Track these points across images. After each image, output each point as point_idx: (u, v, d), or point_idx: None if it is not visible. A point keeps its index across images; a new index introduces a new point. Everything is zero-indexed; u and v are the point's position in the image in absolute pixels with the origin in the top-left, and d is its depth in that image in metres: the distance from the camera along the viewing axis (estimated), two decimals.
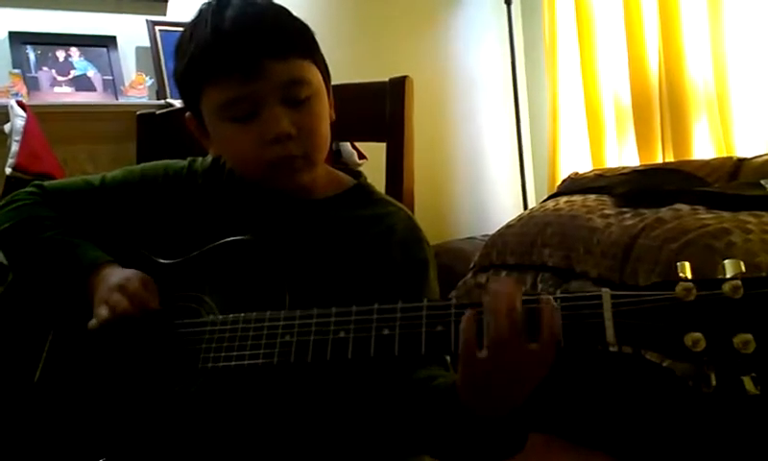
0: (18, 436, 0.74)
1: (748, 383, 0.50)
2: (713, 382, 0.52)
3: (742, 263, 0.52)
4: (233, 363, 0.68)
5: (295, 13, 0.79)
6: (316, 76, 0.78)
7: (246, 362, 0.67)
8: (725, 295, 0.53)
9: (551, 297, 0.58)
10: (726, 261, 0.53)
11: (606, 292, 0.56)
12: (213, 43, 0.73)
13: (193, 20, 0.77)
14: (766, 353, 0.51)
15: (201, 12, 0.77)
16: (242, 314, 0.70)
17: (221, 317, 0.71)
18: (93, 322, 0.72)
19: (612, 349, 1.54)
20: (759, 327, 0.51)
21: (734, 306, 0.52)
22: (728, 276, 0.53)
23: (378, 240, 0.80)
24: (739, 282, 0.52)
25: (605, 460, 1.79)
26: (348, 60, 1.82)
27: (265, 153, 0.75)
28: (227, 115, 0.75)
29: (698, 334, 0.53)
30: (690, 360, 0.52)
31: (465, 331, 0.58)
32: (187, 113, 0.83)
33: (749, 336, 0.51)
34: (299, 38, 0.77)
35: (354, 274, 0.77)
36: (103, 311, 0.72)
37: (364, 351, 0.63)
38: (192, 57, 0.75)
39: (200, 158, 0.89)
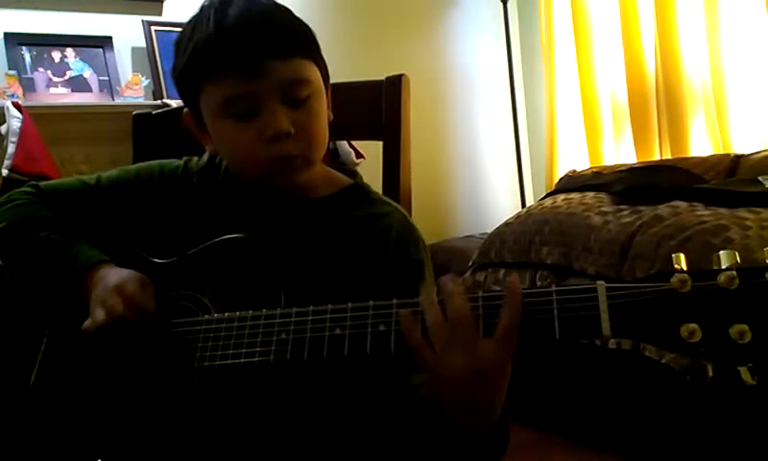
0: (15, 438, 0.74)
1: (745, 374, 0.50)
2: (710, 373, 0.52)
3: (737, 254, 0.52)
4: (229, 361, 0.67)
5: (297, 15, 0.79)
6: (316, 76, 0.78)
7: (242, 360, 0.67)
8: (720, 286, 0.53)
9: (518, 285, 0.59)
10: (721, 252, 0.53)
11: (601, 284, 0.56)
12: (216, 40, 0.73)
13: (194, 17, 0.77)
14: (763, 344, 0.51)
15: (203, 8, 0.76)
16: (238, 312, 0.70)
17: (216, 315, 0.71)
18: (88, 323, 0.72)
19: (610, 344, 1.53)
20: (755, 317, 0.51)
21: (730, 297, 0.52)
22: (723, 267, 0.53)
23: (374, 240, 0.80)
24: (734, 273, 0.52)
25: (602, 458, 1.79)
26: (345, 60, 1.82)
27: (263, 151, 0.75)
28: (226, 113, 0.75)
29: (694, 325, 0.52)
30: (686, 351, 0.52)
31: (403, 324, 0.61)
32: (185, 110, 0.82)
33: (745, 326, 0.51)
34: (301, 38, 0.77)
35: (350, 274, 0.77)
36: (99, 314, 0.71)
37: (360, 348, 0.62)
38: (193, 53, 0.75)
39: (195, 158, 0.89)
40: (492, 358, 0.58)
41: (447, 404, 0.62)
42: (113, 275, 0.75)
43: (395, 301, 0.63)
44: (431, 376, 0.61)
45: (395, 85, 1.09)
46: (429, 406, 0.65)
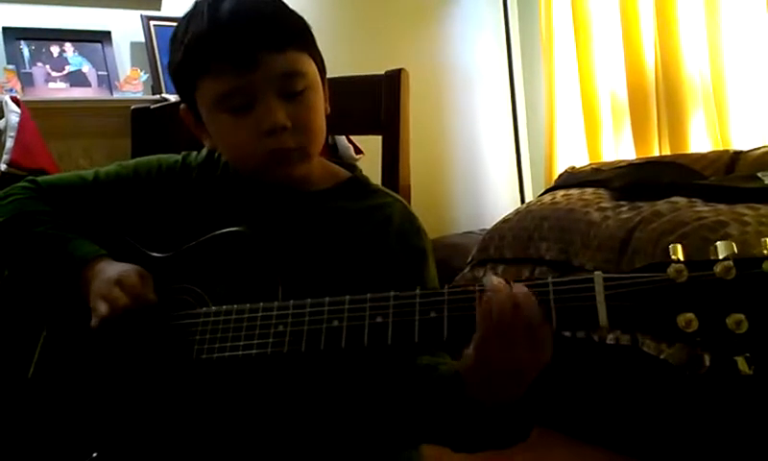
0: (13, 431, 0.74)
1: (741, 363, 0.50)
2: (707, 363, 0.52)
3: (734, 244, 0.52)
4: (227, 354, 0.67)
5: (292, 8, 0.79)
6: (312, 69, 0.78)
7: (240, 353, 0.67)
8: (717, 276, 0.53)
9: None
10: (718, 243, 0.53)
11: (598, 275, 0.56)
12: (210, 34, 0.73)
13: (189, 12, 0.77)
14: (759, 333, 0.50)
15: (197, 3, 0.76)
16: (235, 305, 0.70)
17: (214, 308, 0.71)
18: (94, 321, 0.72)
19: (609, 339, 1.52)
20: (752, 306, 0.51)
21: (727, 287, 0.52)
22: (720, 257, 0.53)
23: (375, 231, 0.80)
24: (731, 263, 0.52)
25: (600, 453, 1.80)
26: (344, 55, 1.82)
27: (260, 145, 0.74)
28: (222, 107, 0.75)
29: (690, 315, 0.52)
30: (683, 341, 0.52)
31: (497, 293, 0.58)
32: (182, 106, 0.82)
33: (741, 316, 0.51)
34: (295, 31, 0.77)
35: (351, 265, 0.77)
36: (102, 307, 0.71)
37: (357, 340, 0.63)
38: (188, 48, 0.75)
39: (194, 152, 0.89)
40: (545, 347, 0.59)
41: (486, 383, 0.62)
42: (111, 269, 0.75)
43: (392, 293, 0.63)
44: (483, 359, 0.60)
45: (394, 80, 1.09)
46: (450, 385, 0.65)
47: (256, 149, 0.75)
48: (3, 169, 1.97)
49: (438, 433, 0.71)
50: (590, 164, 2.81)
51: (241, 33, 0.72)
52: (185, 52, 0.75)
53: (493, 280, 0.59)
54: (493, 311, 0.58)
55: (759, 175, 1.96)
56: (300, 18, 0.79)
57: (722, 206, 1.73)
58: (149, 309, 0.72)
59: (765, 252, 0.52)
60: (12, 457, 0.73)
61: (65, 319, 0.77)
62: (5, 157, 1.98)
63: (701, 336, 0.52)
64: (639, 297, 0.55)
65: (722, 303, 0.52)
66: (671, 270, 0.54)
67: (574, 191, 2.24)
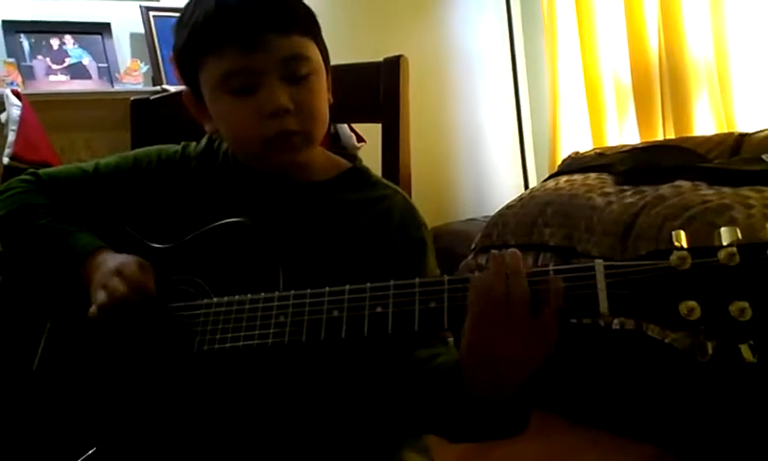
0: (17, 423, 0.74)
1: (745, 351, 0.50)
2: (710, 351, 0.51)
3: (738, 230, 0.51)
4: (228, 345, 0.67)
5: None
6: (316, 55, 0.78)
7: (241, 344, 0.67)
8: (720, 263, 0.52)
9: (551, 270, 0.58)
10: (722, 229, 0.52)
11: (599, 263, 0.55)
12: (216, 15, 0.73)
13: None
14: (763, 321, 0.50)
15: None
16: (236, 296, 0.70)
17: (215, 300, 0.71)
18: (93, 309, 0.72)
19: (613, 324, 1.51)
20: (756, 294, 0.50)
21: (730, 274, 0.51)
22: (724, 243, 0.52)
23: (375, 223, 0.80)
24: (735, 250, 0.51)
25: (605, 437, 1.80)
26: (345, 42, 1.80)
27: (262, 127, 0.74)
28: (225, 88, 0.75)
29: (693, 303, 0.52)
30: (686, 329, 0.52)
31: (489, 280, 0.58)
32: (185, 89, 0.82)
33: (745, 304, 0.50)
34: (301, 16, 0.77)
35: (351, 257, 0.77)
36: (101, 296, 0.71)
37: (357, 330, 0.62)
38: (194, 27, 0.75)
39: (193, 143, 0.89)
40: (540, 337, 0.58)
41: (482, 372, 0.61)
42: (112, 260, 0.75)
43: (392, 282, 0.63)
44: (474, 342, 0.59)
45: (393, 66, 1.08)
46: (448, 376, 0.64)
47: (258, 131, 0.75)
48: (5, 163, 1.98)
49: (434, 424, 0.71)
50: (594, 149, 2.80)
51: (248, 14, 0.73)
52: (191, 32, 0.75)
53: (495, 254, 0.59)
54: (480, 291, 0.58)
55: (764, 157, 1.95)
56: (307, 6, 0.79)
57: (726, 189, 1.72)
58: (148, 300, 0.72)
59: None
60: (16, 449, 0.74)
61: (69, 311, 0.78)
62: (7, 150, 1.99)
63: (704, 324, 0.51)
64: (641, 285, 0.54)
65: (725, 291, 0.51)
66: (674, 257, 0.53)
67: (578, 176, 2.23)
